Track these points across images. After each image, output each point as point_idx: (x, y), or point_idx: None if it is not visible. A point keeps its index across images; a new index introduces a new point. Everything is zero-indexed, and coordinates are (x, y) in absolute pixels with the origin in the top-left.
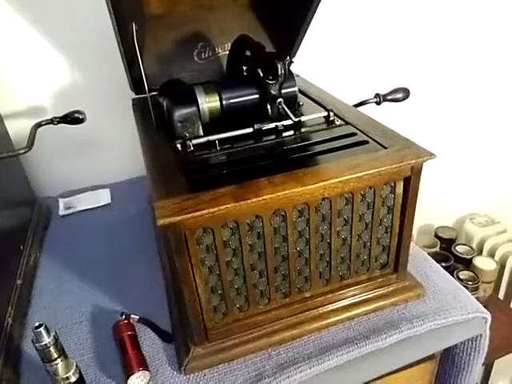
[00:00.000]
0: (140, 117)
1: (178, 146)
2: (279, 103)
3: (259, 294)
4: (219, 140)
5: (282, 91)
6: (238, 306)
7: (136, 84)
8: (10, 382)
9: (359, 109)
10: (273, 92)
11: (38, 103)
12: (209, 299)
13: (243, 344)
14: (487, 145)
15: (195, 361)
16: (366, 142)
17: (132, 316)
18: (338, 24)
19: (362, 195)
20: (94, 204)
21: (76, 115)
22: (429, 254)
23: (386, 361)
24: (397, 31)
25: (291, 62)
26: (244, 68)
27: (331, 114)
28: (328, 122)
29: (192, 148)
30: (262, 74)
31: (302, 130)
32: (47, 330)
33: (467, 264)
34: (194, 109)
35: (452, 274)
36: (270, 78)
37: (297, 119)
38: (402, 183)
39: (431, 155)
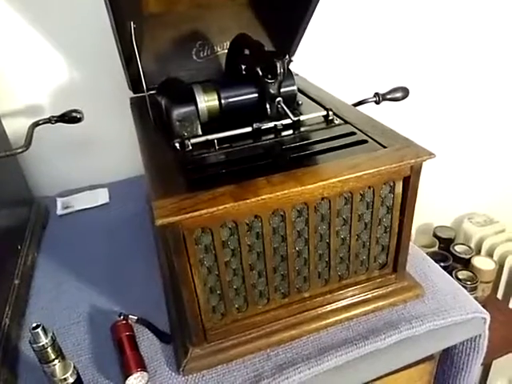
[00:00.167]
0: (138, 116)
1: (177, 145)
2: (278, 102)
3: (258, 294)
4: (218, 139)
5: (281, 90)
6: (236, 306)
7: (134, 83)
8: (8, 382)
9: (358, 108)
10: (272, 91)
11: (36, 102)
12: (207, 299)
13: (242, 345)
14: (486, 144)
15: (194, 362)
16: (365, 142)
17: (130, 316)
18: (337, 23)
19: (361, 195)
20: (92, 204)
21: (74, 114)
22: (427, 253)
23: (385, 361)
24: (396, 30)
25: (290, 61)
26: (243, 67)
27: (330, 113)
28: (327, 121)
29: (190, 147)
30: (260, 73)
31: (301, 129)
32: (45, 330)
33: (466, 264)
34: (193, 108)
35: (450, 274)
36: (269, 76)
37: (296, 118)
38: (401, 183)
39: (431, 155)
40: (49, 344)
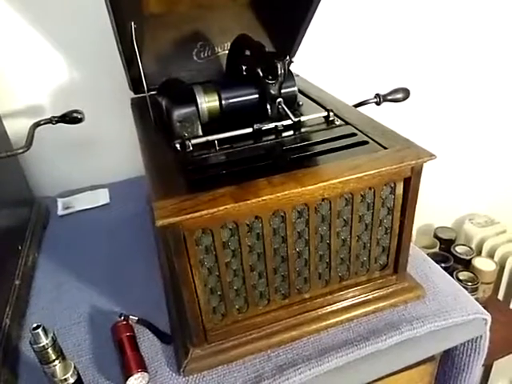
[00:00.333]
0: (139, 116)
1: (177, 145)
2: (279, 103)
3: (258, 295)
4: (218, 140)
5: (282, 91)
6: (237, 307)
7: (135, 83)
8: (8, 383)
9: (359, 109)
10: (272, 92)
11: (37, 102)
12: (208, 300)
13: (242, 345)
14: (487, 145)
15: (194, 362)
16: (365, 143)
17: (131, 317)
18: (338, 24)
19: (361, 196)
20: (93, 204)
21: (74, 115)
22: (428, 254)
23: (386, 362)
24: (397, 31)
25: (291, 62)
26: (243, 68)
27: (331, 114)
28: (328, 122)
29: (191, 148)
30: (261, 74)
31: (302, 130)
32: (45, 331)
33: (466, 265)
34: (193, 108)
35: (451, 275)
36: (270, 77)
37: (296, 119)
38: (401, 184)
39: (431, 156)
40: (49, 344)
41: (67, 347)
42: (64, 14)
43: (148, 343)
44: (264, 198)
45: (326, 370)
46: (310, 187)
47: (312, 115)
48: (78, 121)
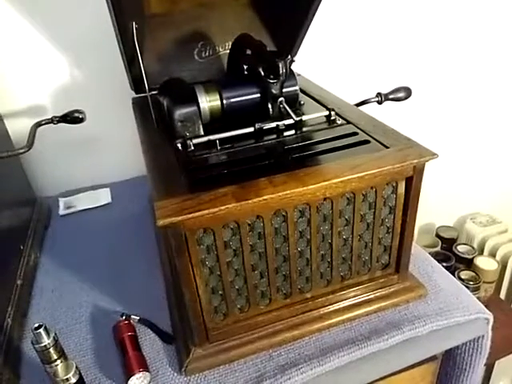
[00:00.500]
0: (140, 116)
1: (179, 145)
2: (280, 102)
3: (260, 294)
4: (220, 139)
5: (283, 90)
6: (238, 306)
7: (136, 83)
8: (10, 382)
9: (361, 108)
10: (274, 91)
11: (38, 102)
12: (209, 300)
13: (244, 345)
14: (488, 144)
15: (196, 362)
16: (367, 142)
17: (132, 317)
18: (339, 23)
19: (363, 195)
20: (95, 204)
21: (76, 115)
22: (430, 253)
23: (388, 362)
24: (398, 30)
25: (292, 61)
26: (245, 67)
27: (332, 113)
28: (329, 121)
29: (192, 147)
30: (263, 73)
31: (304, 129)
32: (47, 330)
33: (468, 264)
34: (195, 108)
35: (453, 274)
36: (271, 77)
37: (298, 118)
38: (403, 183)
39: (433, 155)
40: (51, 344)
41: (69, 347)
42: (65, 14)
43: (149, 343)
44: (265, 197)
45: (327, 369)
46: (311, 187)
47: (313, 114)
48: (80, 121)
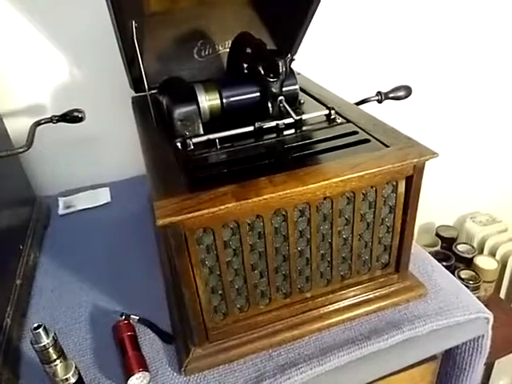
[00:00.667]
0: (140, 115)
1: (178, 144)
2: (280, 101)
3: (260, 294)
4: (219, 138)
5: (283, 89)
6: (238, 306)
7: (136, 82)
8: (9, 382)
9: (361, 107)
10: (274, 90)
11: (38, 101)
12: (209, 300)
13: (244, 345)
14: (488, 143)
15: (195, 362)
16: (367, 141)
17: (132, 316)
18: (339, 21)
19: (363, 194)
20: (94, 203)
21: (75, 114)
22: (430, 253)
23: (388, 361)
24: (398, 29)
25: (292, 60)
26: (245, 66)
27: (332, 112)
28: (329, 120)
29: (192, 147)
30: (262, 72)
31: (303, 128)
32: (46, 330)
33: (468, 263)
34: (194, 107)
35: (453, 274)
36: (271, 75)
37: (298, 117)
38: (404, 182)
39: (433, 154)
40: (50, 344)
41: (68, 347)
42: (65, 13)
43: (149, 343)
44: (265, 196)
45: (327, 369)
46: (311, 186)
47: (313, 113)
48: (79, 120)
